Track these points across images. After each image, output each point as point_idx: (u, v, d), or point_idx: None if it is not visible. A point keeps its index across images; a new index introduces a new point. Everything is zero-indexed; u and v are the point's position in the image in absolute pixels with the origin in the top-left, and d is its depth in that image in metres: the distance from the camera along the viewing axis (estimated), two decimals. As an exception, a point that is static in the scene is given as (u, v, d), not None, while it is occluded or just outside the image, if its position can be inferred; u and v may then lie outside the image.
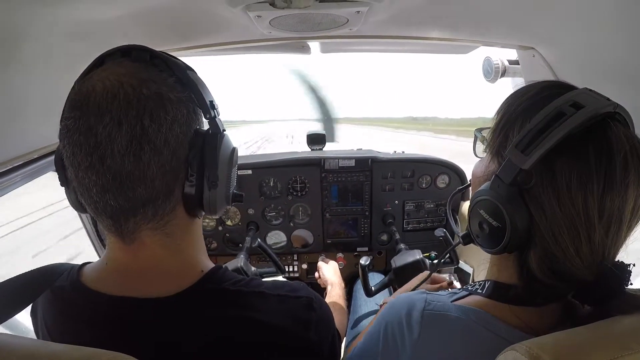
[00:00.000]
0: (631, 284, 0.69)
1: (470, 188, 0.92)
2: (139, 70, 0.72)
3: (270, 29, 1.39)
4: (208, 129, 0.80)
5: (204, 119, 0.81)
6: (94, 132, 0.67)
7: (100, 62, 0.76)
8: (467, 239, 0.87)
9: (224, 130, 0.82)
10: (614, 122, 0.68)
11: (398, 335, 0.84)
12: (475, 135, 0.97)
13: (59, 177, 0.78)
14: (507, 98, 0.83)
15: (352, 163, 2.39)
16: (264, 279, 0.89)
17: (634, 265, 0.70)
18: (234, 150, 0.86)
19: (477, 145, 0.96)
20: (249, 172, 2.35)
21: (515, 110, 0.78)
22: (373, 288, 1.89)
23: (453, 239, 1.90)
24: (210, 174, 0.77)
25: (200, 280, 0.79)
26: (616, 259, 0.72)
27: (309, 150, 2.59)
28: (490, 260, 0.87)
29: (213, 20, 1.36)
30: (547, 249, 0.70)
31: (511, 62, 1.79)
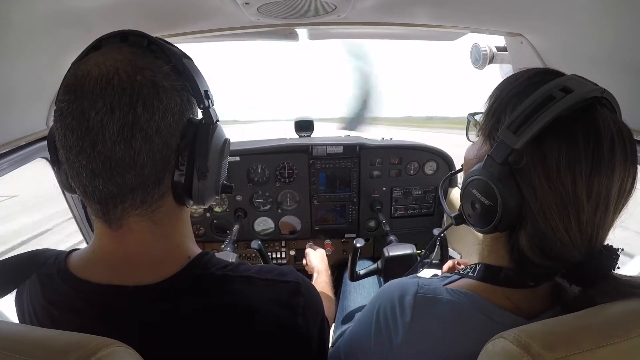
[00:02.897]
0: (618, 267, 0.72)
1: (460, 174, 0.93)
2: (135, 57, 0.71)
3: (258, 16, 1.38)
4: (201, 119, 0.80)
5: (199, 109, 0.81)
6: (86, 117, 0.67)
7: (97, 44, 0.76)
8: (460, 219, 0.88)
9: (217, 120, 0.82)
10: (601, 106, 0.71)
11: (391, 319, 0.85)
12: (468, 119, 0.99)
13: (50, 158, 0.77)
14: (499, 84, 0.85)
15: (340, 150, 2.40)
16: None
17: (622, 249, 0.72)
18: (226, 141, 0.86)
19: (469, 129, 0.99)
20: (237, 158, 2.35)
21: (507, 95, 0.80)
22: (360, 272, 1.90)
23: (443, 224, 1.90)
24: (200, 164, 0.77)
25: (187, 266, 0.79)
26: (605, 243, 0.74)
27: (297, 136, 2.59)
28: (482, 242, 0.89)
29: (201, 7, 1.34)
30: (537, 228, 0.72)
31: (499, 49, 1.80)
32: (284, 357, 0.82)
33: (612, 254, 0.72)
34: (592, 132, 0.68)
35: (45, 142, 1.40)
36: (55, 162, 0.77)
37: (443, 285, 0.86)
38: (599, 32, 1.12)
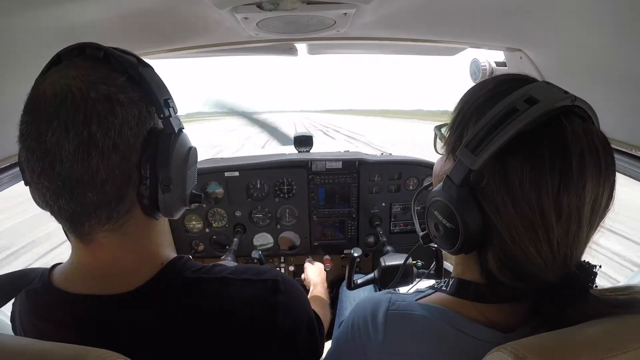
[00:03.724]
0: (596, 286, 0.69)
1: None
2: (90, 72, 0.70)
3: (257, 31, 1.38)
4: (162, 129, 0.78)
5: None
6: (43, 138, 0.66)
7: (57, 59, 0.76)
8: (427, 239, 0.87)
9: (181, 129, 0.81)
10: (571, 117, 0.67)
11: (364, 335, 0.84)
12: (434, 132, 0.93)
13: (22, 178, 0.76)
14: (465, 93, 0.81)
15: (339, 165, 2.40)
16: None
17: (600, 266, 0.69)
18: (190, 149, 0.84)
19: (437, 142, 0.92)
20: (236, 174, 2.35)
21: (470, 108, 0.76)
22: (358, 281, 1.89)
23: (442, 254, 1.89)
24: (162, 176, 0.76)
25: (160, 271, 0.79)
26: (582, 259, 0.71)
27: (296, 152, 2.59)
28: (455, 258, 0.86)
29: (200, 22, 1.35)
30: (506, 249, 0.69)
31: (498, 64, 1.80)
32: (264, 355, 0.81)
33: (589, 273, 0.68)
34: (559, 147, 0.64)
35: None
36: (27, 182, 0.76)
37: (416, 300, 0.84)
38: (598, 46, 1.12)
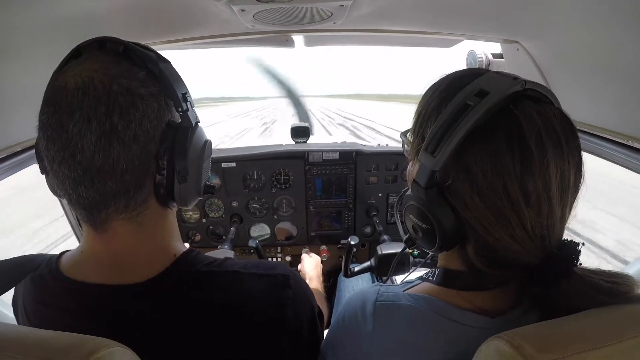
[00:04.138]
0: (580, 264, 0.69)
1: None
2: (111, 65, 0.73)
3: (254, 23, 1.38)
4: (180, 122, 0.81)
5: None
6: (65, 129, 0.69)
7: (76, 53, 0.77)
8: (410, 242, 0.87)
9: (197, 122, 0.83)
10: (524, 101, 0.68)
11: (355, 328, 0.85)
12: (401, 138, 0.95)
13: (39, 166, 0.79)
14: (423, 95, 0.82)
15: (336, 156, 2.40)
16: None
17: (582, 244, 0.70)
18: (206, 142, 0.87)
19: (404, 147, 0.94)
20: (233, 164, 2.35)
21: (428, 109, 0.78)
22: (354, 269, 1.92)
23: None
24: (180, 167, 0.78)
25: (173, 264, 0.80)
26: (563, 238, 0.72)
27: (293, 142, 2.59)
28: None
29: (197, 14, 1.35)
30: (481, 242, 0.71)
31: (495, 56, 1.80)
32: (274, 349, 0.82)
33: (571, 252, 0.69)
34: (514, 132, 0.65)
35: None
36: (43, 170, 0.78)
37: (404, 291, 0.85)
38: (595, 38, 1.12)
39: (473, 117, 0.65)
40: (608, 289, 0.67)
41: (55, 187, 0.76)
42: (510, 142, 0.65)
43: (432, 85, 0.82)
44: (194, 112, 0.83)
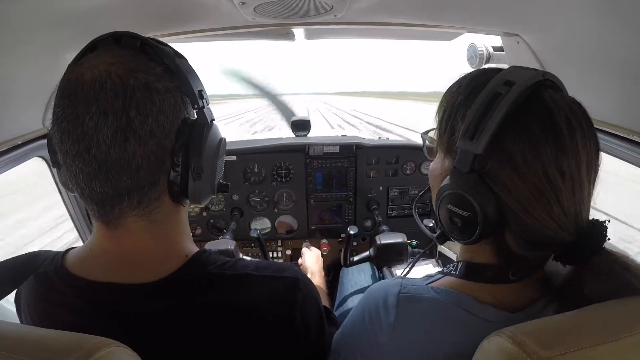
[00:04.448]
0: (608, 238, 0.72)
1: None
2: (128, 59, 0.72)
3: (254, 16, 1.38)
4: (196, 119, 0.80)
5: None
6: (80, 122, 0.68)
7: (92, 47, 0.77)
8: (442, 238, 0.88)
9: (212, 120, 0.83)
10: (547, 89, 0.73)
11: (375, 320, 0.86)
12: (422, 138, 1.00)
13: (50, 159, 0.78)
14: (444, 95, 0.86)
15: (337, 149, 2.40)
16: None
17: (608, 221, 0.73)
18: (221, 140, 0.87)
19: (426, 147, 1.00)
20: (234, 158, 2.35)
21: (454, 104, 0.80)
22: (354, 259, 1.94)
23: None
24: (195, 164, 0.78)
25: (185, 265, 0.80)
26: (590, 218, 0.75)
27: (294, 136, 2.59)
28: (462, 246, 0.89)
29: (197, 7, 1.34)
30: (522, 223, 0.72)
31: (496, 49, 1.79)
32: (281, 350, 0.83)
33: (601, 228, 0.72)
34: (546, 116, 0.69)
35: (42, 142, 1.41)
36: (55, 164, 0.77)
37: (426, 284, 0.86)
38: (595, 32, 1.12)
39: (506, 102, 0.69)
40: (635, 267, 0.70)
41: (67, 181, 0.75)
42: (543, 124, 0.69)
43: (453, 84, 0.85)
44: (209, 109, 0.82)
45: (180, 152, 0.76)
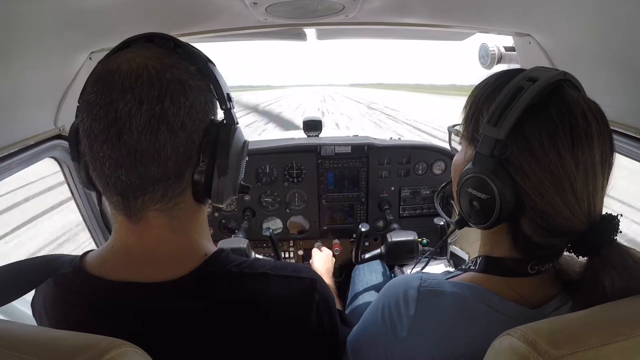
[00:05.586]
0: (620, 232, 0.75)
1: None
2: (164, 56, 0.75)
3: (266, 16, 1.38)
4: (223, 120, 0.82)
5: (219, 111, 0.83)
6: (114, 107, 0.69)
7: (125, 45, 0.80)
8: (461, 223, 0.89)
9: (237, 123, 0.85)
10: (567, 87, 0.77)
11: (395, 313, 0.86)
12: (449, 131, 1.06)
13: (71, 152, 0.79)
14: (472, 92, 0.90)
15: (349, 149, 2.40)
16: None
17: (621, 215, 0.76)
18: (245, 143, 0.90)
19: (452, 140, 1.06)
20: (245, 158, 2.34)
21: (480, 99, 0.85)
22: (365, 256, 1.97)
23: (447, 230, 1.94)
24: (221, 162, 0.79)
25: (204, 263, 0.80)
26: (603, 212, 0.77)
27: (305, 136, 2.60)
28: (483, 238, 0.91)
29: (208, 7, 1.35)
30: (537, 209, 0.75)
31: (507, 49, 1.78)
32: (297, 350, 0.83)
33: (613, 220, 0.75)
34: (564, 109, 0.73)
35: (54, 142, 1.43)
36: (75, 156, 0.79)
37: (446, 279, 0.87)
38: (607, 32, 1.11)
39: (530, 94, 0.73)
40: None
41: (89, 173, 0.76)
42: (561, 116, 0.73)
43: (480, 83, 0.89)
44: (234, 113, 0.85)
45: (207, 149, 0.78)
